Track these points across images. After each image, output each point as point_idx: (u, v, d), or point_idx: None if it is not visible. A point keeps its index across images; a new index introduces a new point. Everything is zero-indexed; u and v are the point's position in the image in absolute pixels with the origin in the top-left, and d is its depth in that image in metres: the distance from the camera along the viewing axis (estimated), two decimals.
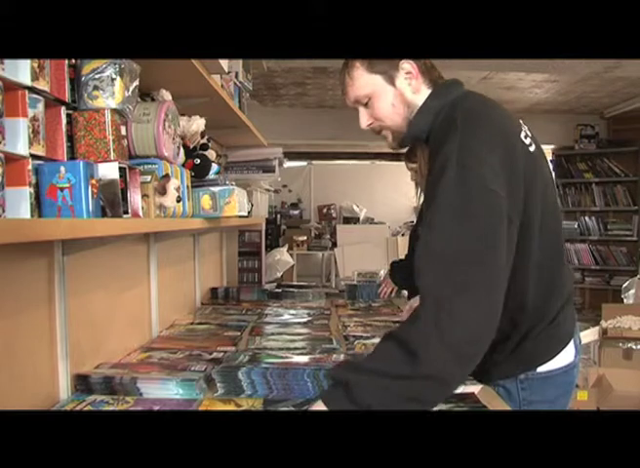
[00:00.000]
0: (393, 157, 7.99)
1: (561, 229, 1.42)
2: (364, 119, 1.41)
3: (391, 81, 1.35)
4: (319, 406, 1.13)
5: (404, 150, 1.38)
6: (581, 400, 3.18)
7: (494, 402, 1.36)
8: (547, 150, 7.08)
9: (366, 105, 1.39)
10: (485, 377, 1.42)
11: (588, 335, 3.77)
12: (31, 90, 1.03)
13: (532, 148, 1.32)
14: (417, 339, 1.08)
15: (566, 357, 1.41)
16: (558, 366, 1.40)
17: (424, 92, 1.37)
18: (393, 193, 8.42)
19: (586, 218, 7.31)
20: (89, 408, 1.31)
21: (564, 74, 5.33)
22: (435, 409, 1.27)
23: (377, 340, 1.93)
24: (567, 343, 1.42)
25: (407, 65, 1.34)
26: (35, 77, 1.04)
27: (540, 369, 1.39)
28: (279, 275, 4.47)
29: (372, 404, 1.06)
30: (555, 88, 6.01)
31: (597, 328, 3.85)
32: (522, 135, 1.32)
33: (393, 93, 1.36)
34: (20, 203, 1.00)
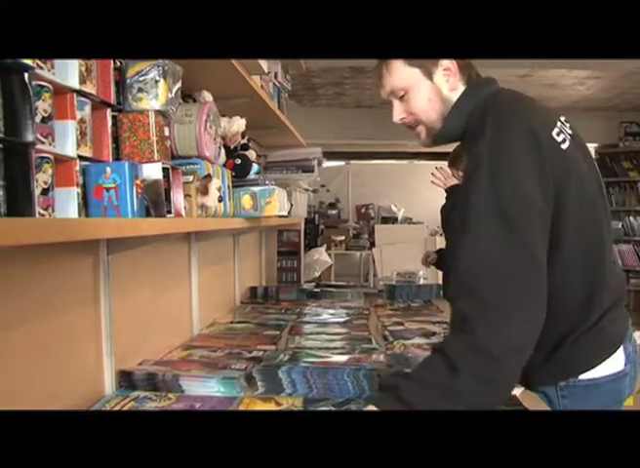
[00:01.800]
0: (432, 157, 7.91)
1: (603, 226, 1.33)
2: (397, 112, 1.38)
3: (429, 76, 1.33)
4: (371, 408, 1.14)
5: (430, 147, 1.42)
6: (627, 405, 3.10)
7: (535, 405, 1.33)
8: (590, 149, 6.90)
9: (401, 99, 1.37)
10: (524, 382, 1.35)
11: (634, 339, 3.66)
12: (79, 93, 1.06)
13: (565, 145, 1.27)
14: (457, 354, 1.08)
15: (614, 365, 1.32)
16: (604, 374, 1.31)
17: (461, 89, 1.34)
18: (432, 193, 8.27)
19: (631, 218, 7.11)
20: (133, 403, 1.34)
21: (608, 70, 5.21)
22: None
23: (416, 341, 1.93)
24: (615, 350, 1.33)
25: (446, 61, 1.32)
26: (83, 80, 1.06)
27: (583, 376, 1.30)
28: (317, 275, 4.48)
29: (417, 406, 1.06)
30: (599, 84, 5.87)
31: None
32: (554, 131, 1.27)
33: (430, 87, 1.33)
34: (68, 203, 1.03)
